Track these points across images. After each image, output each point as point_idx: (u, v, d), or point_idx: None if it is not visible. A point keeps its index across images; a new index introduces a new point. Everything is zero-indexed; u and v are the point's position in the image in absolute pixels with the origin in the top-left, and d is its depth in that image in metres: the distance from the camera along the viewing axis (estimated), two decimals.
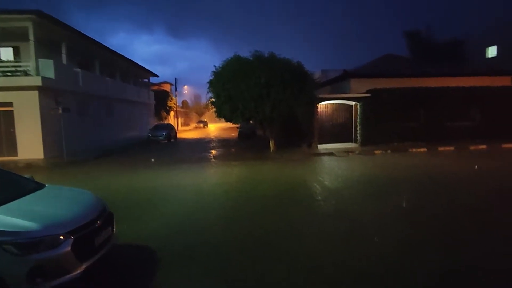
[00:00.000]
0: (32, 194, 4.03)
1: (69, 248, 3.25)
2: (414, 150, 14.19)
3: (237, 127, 28.85)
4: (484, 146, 14.41)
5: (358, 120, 15.97)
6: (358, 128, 16.01)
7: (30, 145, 14.20)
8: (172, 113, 42.48)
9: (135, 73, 29.10)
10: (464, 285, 3.36)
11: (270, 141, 15.78)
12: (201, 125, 54.38)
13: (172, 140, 24.95)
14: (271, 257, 4.14)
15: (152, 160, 14.19)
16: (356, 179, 8.92)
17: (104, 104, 20.76)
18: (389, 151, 14.14)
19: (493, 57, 24.50)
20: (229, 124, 31.73)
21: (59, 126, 14.16)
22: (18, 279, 2.99)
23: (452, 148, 14.25)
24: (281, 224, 5.39)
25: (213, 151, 17.31)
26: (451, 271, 3.60)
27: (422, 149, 14.20)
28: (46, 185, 4.52)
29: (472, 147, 14.33)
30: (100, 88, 19.87)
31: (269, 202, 6.82)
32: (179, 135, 30.67)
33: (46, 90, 14.42)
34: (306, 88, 14.03)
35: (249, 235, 4.94)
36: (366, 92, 15.58)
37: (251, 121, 21.25)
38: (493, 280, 3.42)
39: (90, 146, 17.39)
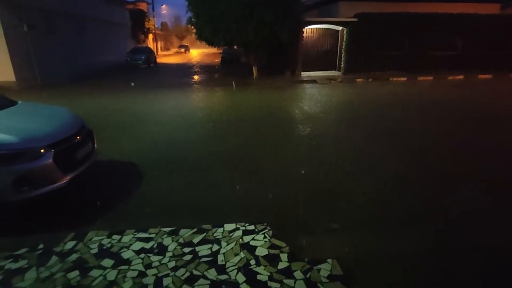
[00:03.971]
0: (5, 110, 3.99)
1: (50, 161, 3.38)
2: (394, 79, 14.34)
3: (220, 53, 27.68)
4: (461, 77, 14.69)
5: (343, 47, 15.60)
6: (343, 56, 15.73)
7: None
8: (150, 36, 39.78)
9: None
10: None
11: (253, 68, 15.42)
12: (182, 50, 51.44)
13: (152, 65, 23.89)
14: (247, 169, 4.48)
15: (132, 84, 13.80)
16: (333, 106, 9.14)
17: (74, 23, 19.06)
18: (370, 80, 14.25)
19: None
20: (212, 50, 30.26)
21: (27, 46, 13.18)
22: (5, 187, 3.16)
23: (431, 78, 14.47)
24: (258, 142, 5.70)
25: (195, 77, 16.88)
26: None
27: (403, 79, 14.36)
28: (19, 102, 4.45)
29: (450, 77, 14.60)
30: (67, 3, 18.00)
31: (249, 124, 7.04)
32: (159, 60, 29.28)
33: (5, 4, 12.98)
34: (292, 10, 13.23)
35: (229, 152, 5.24)
36: (354, 17, 14.92)
37: (235, 47, 20.39)
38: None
39: (64, 70, 16.47)
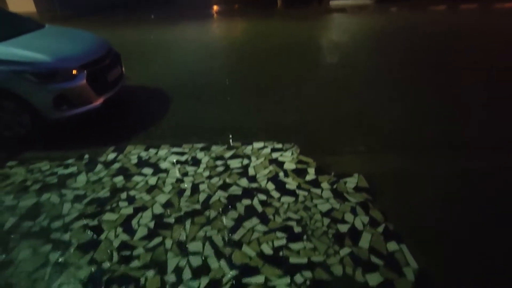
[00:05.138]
0: (34, 32, 4.04)
1: (84, 81, 3.50)
2: (433, 7, 13.01)
3: None
4: (511, 4, 13.10)
5: None
6: None
7: None
8: None
9: None
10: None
11: None
12: None
13: None
14: (275, 95, 4.47)
15: (152, 16, 13.34)
16: (363, 36, 8.55)
17: None
18: (405, 9, 13.01)
19: None
20: None
21: None
22: (47, 106, 3.34)
23: (475, 5, 13.01)
24: (284, 71, 5.57)
25: (215, 7, 16.01)
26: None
27: (442, 7, 13.01)
28: (46, 25, 4.46)
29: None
30: None
31: (274, 54, 6.81)
32: None
33: None
34: None
35: (253, 80, 5.20)
36: None
37: None
38: None
39: (83, 2, 16.02)
